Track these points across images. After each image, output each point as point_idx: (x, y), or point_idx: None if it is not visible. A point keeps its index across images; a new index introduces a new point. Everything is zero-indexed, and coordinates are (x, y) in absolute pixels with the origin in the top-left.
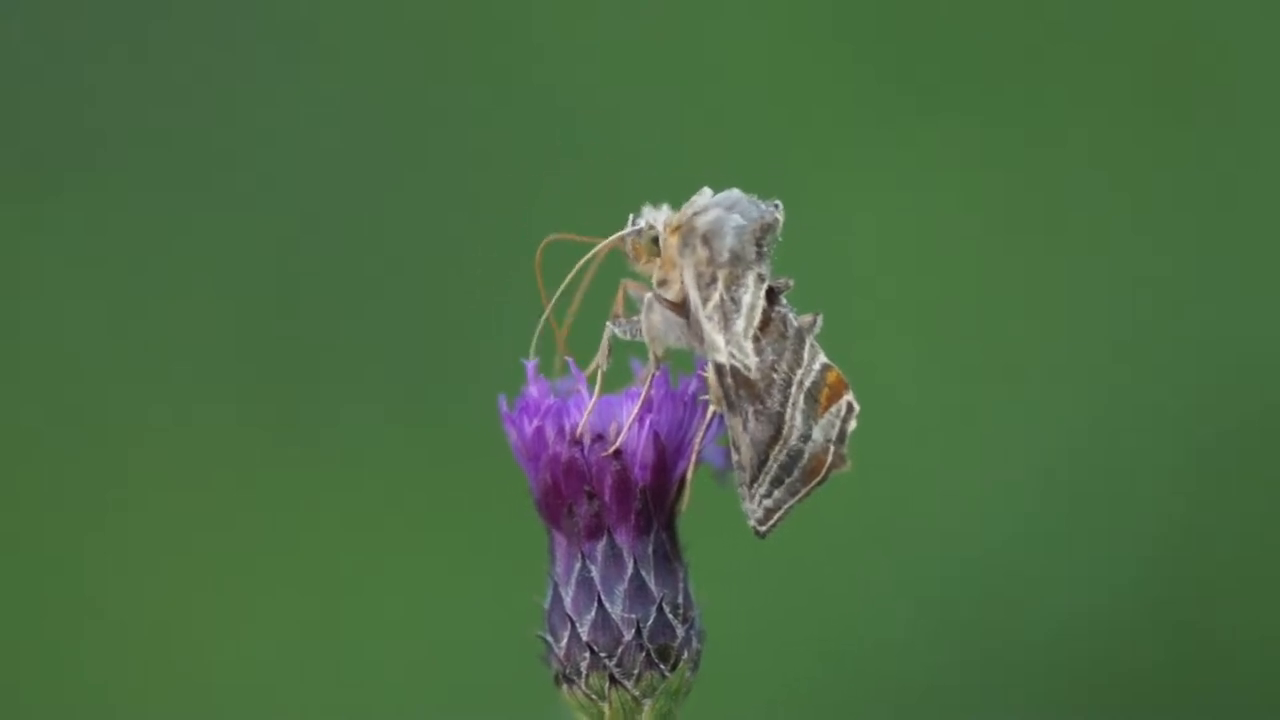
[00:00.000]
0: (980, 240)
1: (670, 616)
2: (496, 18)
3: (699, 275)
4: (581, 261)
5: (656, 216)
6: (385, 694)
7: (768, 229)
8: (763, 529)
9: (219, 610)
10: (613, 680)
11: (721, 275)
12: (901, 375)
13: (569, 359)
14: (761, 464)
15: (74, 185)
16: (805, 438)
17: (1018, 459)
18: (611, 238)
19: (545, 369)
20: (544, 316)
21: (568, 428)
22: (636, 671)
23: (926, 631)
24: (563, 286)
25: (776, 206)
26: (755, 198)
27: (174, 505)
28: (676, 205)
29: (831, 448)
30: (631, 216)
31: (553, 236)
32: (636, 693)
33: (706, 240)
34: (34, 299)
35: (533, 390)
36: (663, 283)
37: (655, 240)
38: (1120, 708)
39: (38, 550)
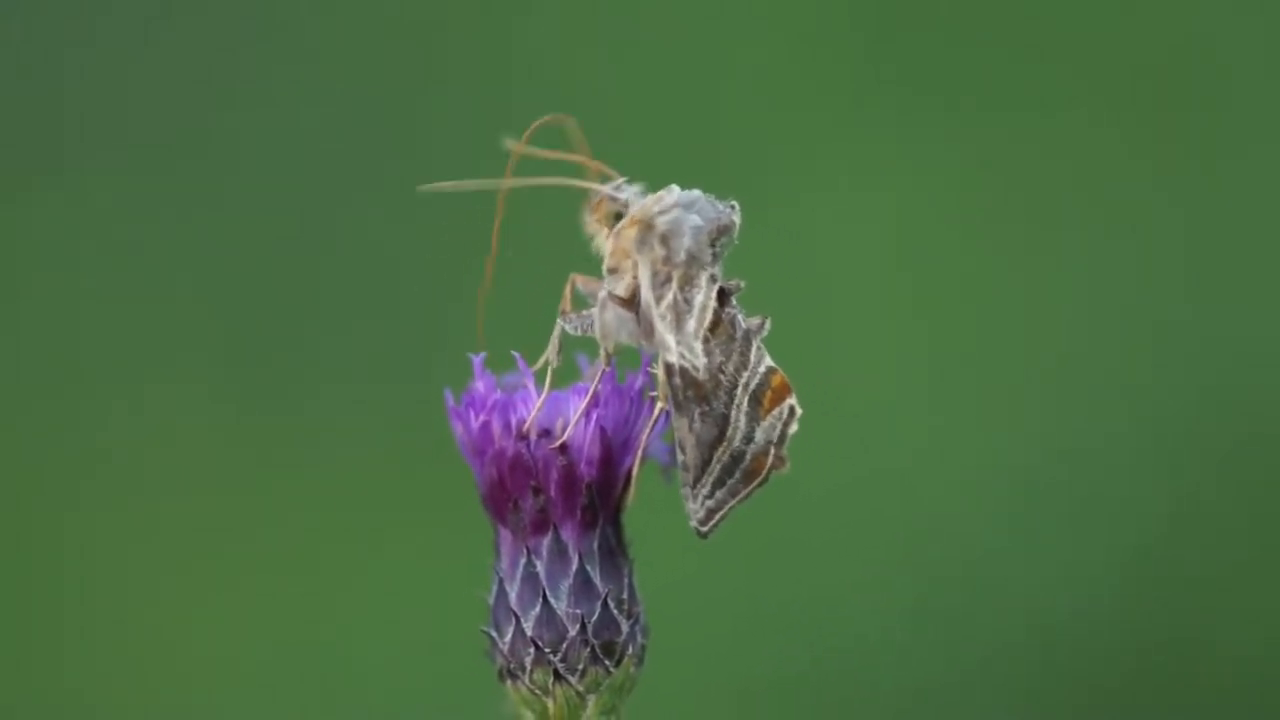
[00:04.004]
0: (977, 241)
1: (615, 612)
2: (493, 14)
3: (654, 274)
4: (548, 180)
5: (632, 194)
6: (368, 687)
7: (724, 230)
8: (704, 529)
9: (196, 605)
10: (557, 676)
11: (676, 275)
12: (895, 376)
13: (516, 354)
14: (705, 465)
15: (57, 184)
16: (748, 439)
17: (1004, 462)
18: (588, 182)
19: (494, 364)
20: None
21: (514, 423)
22: (581, 667)
23: (915, 634)
24: (510, 183)
25: (733, 208)
26: (714, 198)
27: (151, 500)
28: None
29: (772, 449)
30: (617, 181)
31: (513, 143)
32: (581, 688)
33: (665, 239)
34: (17, 296)
35: (479, 385)
36: (613, 270)
37: (617, 216)
38: (1114, 709)
39: (16, 546)
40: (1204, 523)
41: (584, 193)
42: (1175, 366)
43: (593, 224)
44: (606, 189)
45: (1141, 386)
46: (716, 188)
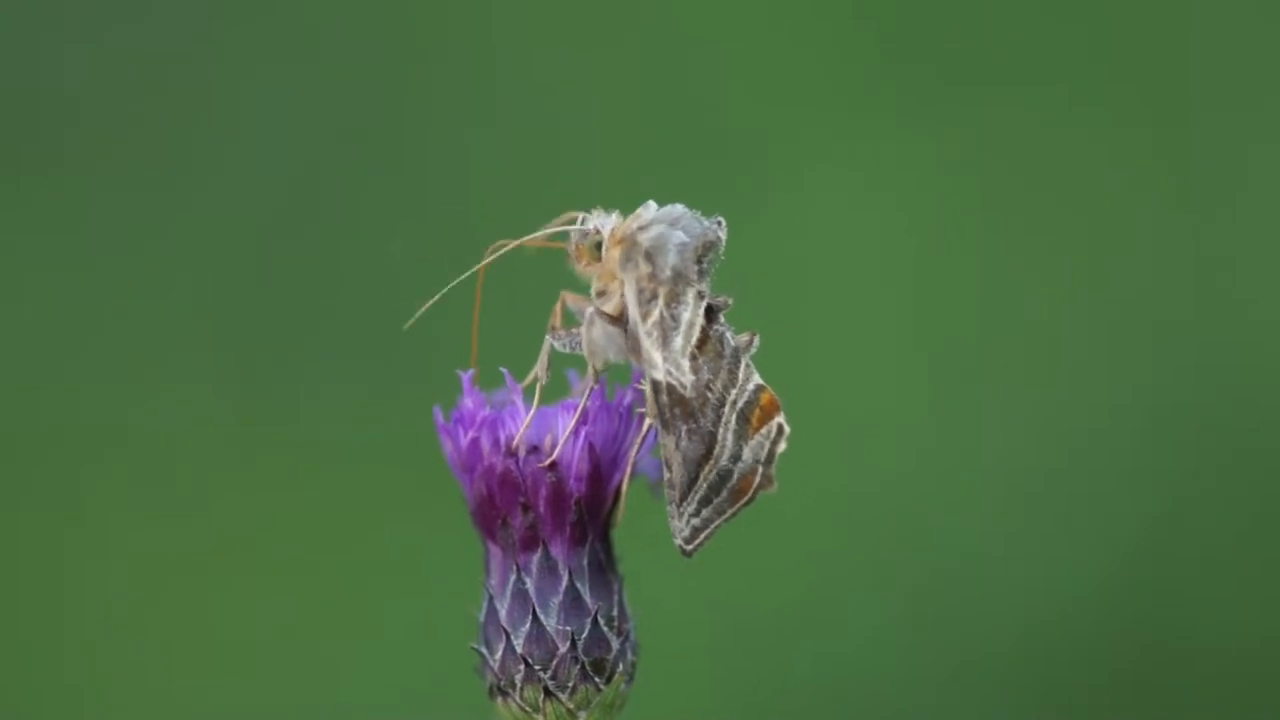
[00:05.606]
0: (976, 241)
1: (605, 629)
2: (492, 14)
3: (640, 291)
4: (517, 241)
5: (605, 223)
6: (368, 688)
7: (710, 246)
8: (689, 548)
9: (196, 605)
10: (547, 693)
11: (662, 292)
12: (895, 375)
13: (505, 370)
14: (692, 483)
15: (58, 184)
16: (735, 458)
17: (1002, 463)
18: (555, 228)
19: (484, 381)
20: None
21: (503, 439)
22: (571, 684)
23: (914, 635)
24: (490, 258)
25: (719, 224)
26: (698, 214)
27: (146, 502)
28: (629, 213)
29: (759, 469)
30: (581, 216)
31: (500, 243)
32: (571, 705)
33: (649, 256)
34: (17, 295)
35: (468, 401)
36: (601, 293)
37: (598, 246)
38: (1113, 709)
39: (13, 548)
40: (1202, 524)
41: (564, 249)
42: (1175, 366)
43: (582, 267)
44: (575, 229)
45: (1141, 387)
46: (715, 188)
